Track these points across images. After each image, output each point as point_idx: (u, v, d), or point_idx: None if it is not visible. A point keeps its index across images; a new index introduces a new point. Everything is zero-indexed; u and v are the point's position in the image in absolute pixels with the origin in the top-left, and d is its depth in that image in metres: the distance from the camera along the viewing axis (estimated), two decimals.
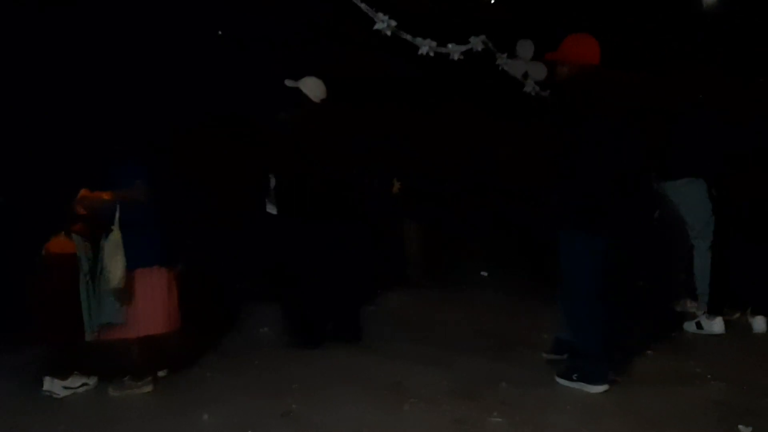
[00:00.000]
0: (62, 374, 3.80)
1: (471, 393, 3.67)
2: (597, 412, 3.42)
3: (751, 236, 4.67)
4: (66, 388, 3.79)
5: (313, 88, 4.65)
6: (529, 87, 5.72)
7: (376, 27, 3.61)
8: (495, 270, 6.72)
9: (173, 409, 3.59)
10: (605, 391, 3.67)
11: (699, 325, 4.68)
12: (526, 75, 5.69)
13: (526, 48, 5.79)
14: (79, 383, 3.84)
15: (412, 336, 4.81)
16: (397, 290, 5.88)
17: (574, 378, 3.71)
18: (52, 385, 3.77)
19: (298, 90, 4.63)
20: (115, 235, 3.73)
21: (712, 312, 4.67)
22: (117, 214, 3.75)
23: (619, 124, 3.66)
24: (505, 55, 5.38)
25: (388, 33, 3.76)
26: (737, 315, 4.80)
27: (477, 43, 4.82)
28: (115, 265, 3.71)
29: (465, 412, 3.42)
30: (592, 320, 3.68)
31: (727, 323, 4.68)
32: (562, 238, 3.72)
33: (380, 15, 3.73)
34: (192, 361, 4.25)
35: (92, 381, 3.90)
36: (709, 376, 3.84)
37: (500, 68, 5.48)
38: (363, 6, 3.55)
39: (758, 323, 4.65)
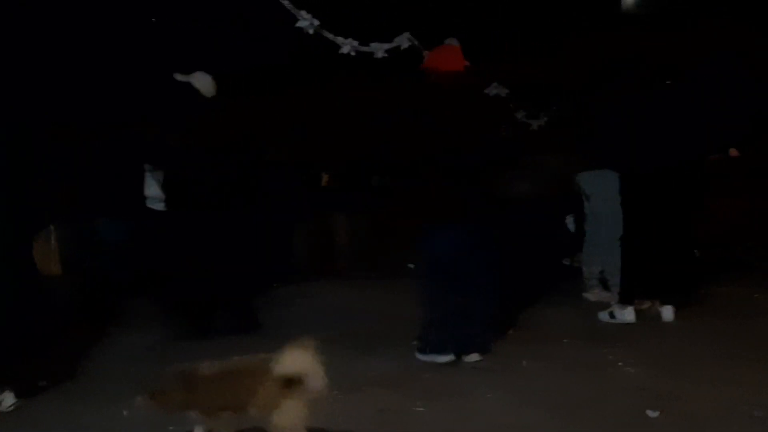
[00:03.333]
0: None
1: (395, 382, 3.74)
2: (515, 398, 3.53)
3: (661, 228, 4.86)
4: None
5: (204, 83, 4.65)
6: None
7: (298, 25, 3.66)
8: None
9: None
10: (523, 378, 3.81)
11: (612, 315, 4.90)
12: None
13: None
14: None
15: (337, 326, 4.85)
16: (324, 281, 5.92)
17: (427, 351, 4.02)
18: None
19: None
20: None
21: (624, 302, 4.89)
22: None
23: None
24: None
25: (311, 32, 3.82)
26: (648, 305, 5.00)
27: (403, 41, 4.94)
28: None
29: (390, 401, 3.48)
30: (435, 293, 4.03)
31: (638, 312, 4.90)
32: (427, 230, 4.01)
33: (303, 13, 3.78)
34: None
35: None
36: (620, 363, 4.00)
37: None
38: (286, 3, 3.59)
39: (666, 312, 4.89)
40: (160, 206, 4.76)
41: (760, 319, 4.79)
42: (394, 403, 3.47)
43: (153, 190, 4.81)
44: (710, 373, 3.75)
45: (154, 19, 6.28)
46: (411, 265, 6.90)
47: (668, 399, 3.41)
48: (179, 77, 4.64)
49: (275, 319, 5.08)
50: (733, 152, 5.25)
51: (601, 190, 5.25)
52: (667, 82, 4.95)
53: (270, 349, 2.78)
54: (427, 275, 4.09)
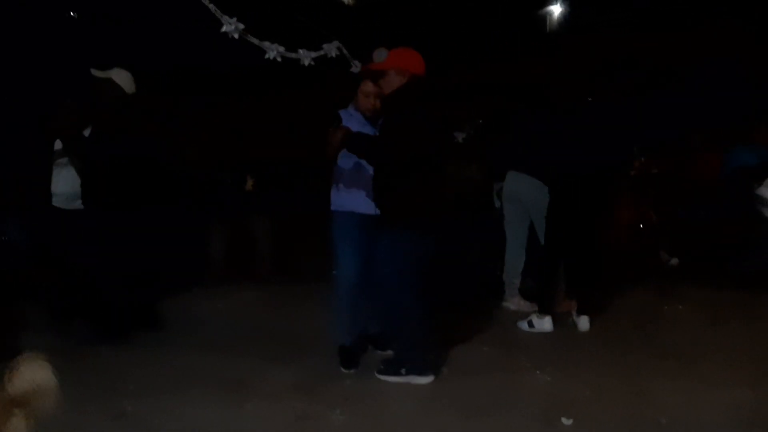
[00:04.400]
0: None
1: (314, 389, 3.74)
2: (433, 404, 3.59)
3: (580, 238, 5.02)
4: None
5: (125, 79, 4.58)
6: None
7: (223, 30, 3.63)
8: None
9: None
10: (441, 384, 3.85)
11: (531, 324, 5.01)
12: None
13: (381, 56, 6.00)
14: None
15: (257, 333, 4.82)
16: (245, 287, 5.87)
17: (403, 372, 3.86)
18: None
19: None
20: None
21: (542, 311, 5.02)
22: None
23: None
24: (359, 63, 5.54)
25: (236, 36, 3.80)
26: (566, 308, 5.13)
27: (331, 49, 4.96)
28: None
29: (308, 408, 3.47)
30: (415, 313, 3.87)
31: (555, 321, 5.04)
32: (385, 237, 3.87)
33: (226, 18, 3.75)
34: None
35: None
36: (537, 372, 4.09)
37: (355, 74, 5.66)
38: (211, 7, 3.56)
39: (583, 322, 5.03)
40: (70, 204, 4.61)
41: (668, 329, 4.98)
42: (312, 409, 3.47)
43: (62, 187, 4.65)
44: (621, 382, 3.87)
45: (73, 14, 6.13)
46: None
47: (581, 406, 3.50)
48: (97, 73, 4.54)
49: (191, 321, 5.02)
50: (647, 165, 5.45)
51: (519, 199, 5.38)
52: (590, 99, 5.12)
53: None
54: (397, 288, 3.85)
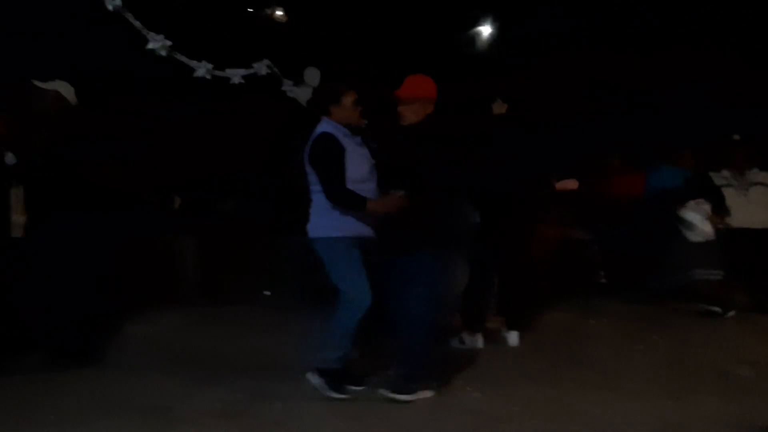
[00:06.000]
0: None
1: (243, 413, 3.67)
2: (363, 423, 3.57)
3: (508, 256, 5.11)
4: None
5: (69, 91, 4.50)
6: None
7: (149, 47, 3.57)
8: (277, 287, 6.76)
9: None
10: (371, 404, 3.83)
11: (461, 341, 5.06)
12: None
13: (313, 75, 6.03)
14: None
15: (181, 357, 4.71)
16: (170, 310, 5.74)
17: (414, 389, 3.88)
18: None
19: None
20: None
21: (473, 329, 5.07)
22: None
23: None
24: (291, 82, 5.55)
25: (163, 53, 3.74)
26: (496, 324, 5.20)
27: (261, 67, 4.94)
28: None
29: None
30: (431, 332, 3.98)
31: (486, 337, 5.10)
32: (404, 261, 3.88)
33: (153, 35, 3.70)
34: None
35: None
36: (468, 388, 4.12)
37: (286, 93, 5.67)
38: (137, 24, 3.50)
39: (512, 337, 5.12)
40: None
41: (593, 344, 5.11)
42: None
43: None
44: (545, 395, 3.95)
45: None
46: (267, 293, 6.85)
47: (510, 422, 3.55)
48: (41, 84, 4.42)
49: (113, 345, 4.87)
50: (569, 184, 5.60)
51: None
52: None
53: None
54: (421, 309, 3.90)
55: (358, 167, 3.92)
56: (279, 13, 7.46)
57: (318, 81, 5.96)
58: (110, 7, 3.44)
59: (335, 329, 3.95)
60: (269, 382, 4.15)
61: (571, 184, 5.75)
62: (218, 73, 4.25)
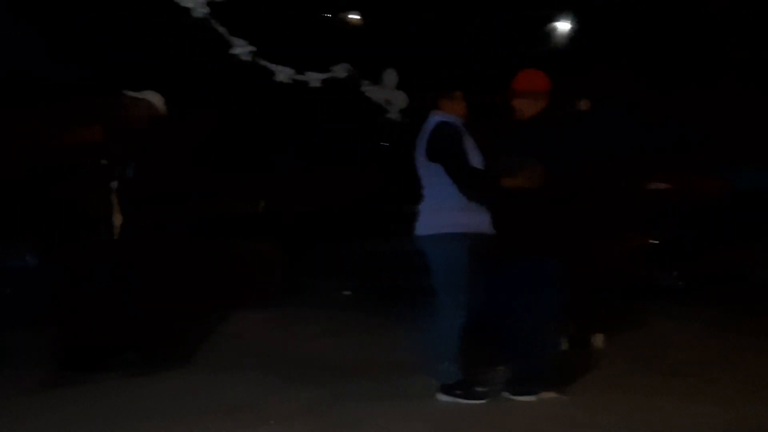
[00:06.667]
0: None
1: (327, 412, 3.69)
2: (446, 426, 3.50)
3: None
4: None
5: (158, 99, 4.62)
6: (393, 113, 5.98)
7: (232, 51, 3.66)
8: (358, 288, 6.81)
9: None
10: (453, 408, 3.77)
11: None
12: (389, 102, 5.97)
13: (390, 77, 6.07)
14: None
15: (265, 356, 4.80)
16: (253, 309, 5.86)
17: (536, 391, 3.84)
18: None
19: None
20: None
21: None
22: None
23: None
24: (368, 83, 5.60)
25: (247, 58, 3.83)
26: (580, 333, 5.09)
27: (340, 70, 5.01)
28: None
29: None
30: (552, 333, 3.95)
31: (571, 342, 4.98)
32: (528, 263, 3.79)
33: (237, 40, 3.79)
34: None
35: None
36: (555, 393, 3.94)
37: (364, 94, 5.72)
38: (221, 30, 3.60)
39: (597, 341, 4.98)
40: None
41: (676, 349, 4.95)
42: None
43: None
44: (631, 401, 3.81)
45: None
46: (347, 293, 6.93)
47: (592, 428, 3.44)
48: (131, 93, 4.58)
49: (200, 345, 5.02)
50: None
51: None
52: None
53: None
54: (544, 310, 3.82)
55: (474, 160, 3.86)
56: (355, 16, 7.54)
57: (396, 82, 6.00)
58: (197, 15, 3.56)
59: (446, 338, 3.85)
60: (352, 382, 4.19)
61: (658, 184, 5.57)
62: (298, 76, 4.32)
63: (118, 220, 4.49)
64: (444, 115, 3.91)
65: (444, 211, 3.80)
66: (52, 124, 4.97)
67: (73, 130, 4.63)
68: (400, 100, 5.97)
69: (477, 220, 3.82)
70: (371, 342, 5.13)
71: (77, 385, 4.23)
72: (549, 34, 8.17)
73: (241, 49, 3.74)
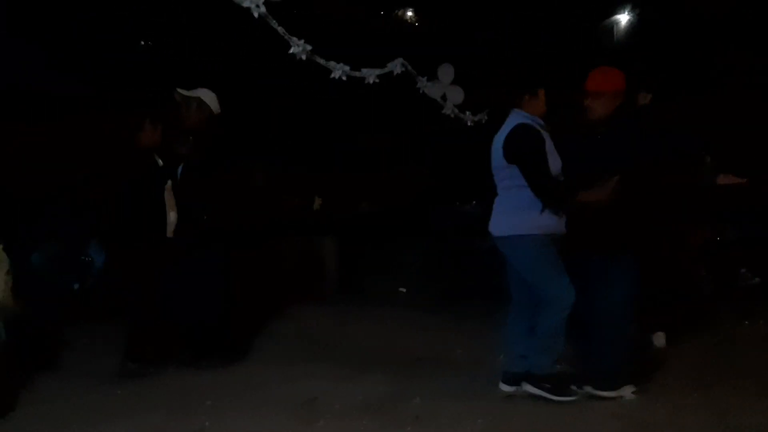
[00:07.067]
0: None
1: (384, 408, 3.72)
2: (505, 422, 3.51)
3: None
4: None
5: (211, 98, 4.67)
6: (448, 109, 5.95)
7: (291, 51, 3.71)
8: (413, 286, 6.82)
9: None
10: (510, 403, 3.78)
11: None
12: (444, 97, 5.94)
13: (446, 72, 6.03)
14: None
15: (325, 352, 4.87)
16: (312, 306, 5.92)
17: (616, 387, 3.79)
18: None
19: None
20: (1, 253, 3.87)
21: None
22: None
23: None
24: (425, 78, 5.58)
25: (303, 57, 3.86)
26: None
27: (395, 66, 5.01)
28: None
29: (379, 427, 3.45)
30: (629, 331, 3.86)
31: None
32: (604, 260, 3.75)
33: (295, 39, 3.82)
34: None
35: None
36: None
37: (420, 90, 5.71)
38: (280, 30, 3.64)
39: (659, 339, 4.86)
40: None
41: (745, 347, 4.79)
42: (382, 429, 3.44)
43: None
44: (696, 400, 3.75)
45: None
46: (403, 290, 6.95)
47: (655, 427, 3.41)
48: (184, 92, 4.65)
49: (262, 340, 5.10)
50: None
51: None
52: None
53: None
54: (623, 303, 3.77)
55: (555, 161, 3.80)
56: (409, 13, 7.55)
57: (452, 78, 5.97)
58: (256, 14, 3.62)
59: (543, 332, 3.78)
60: (409, 378, 4.20)
61: (733, 179, 5.39)
62: (354, 73, 4.33)
63: (172, 218, 4.57)
64: (524, 115, 3.85)
65: (521, 212, 3.78)
66: (118, 127, 5.08)
67: (137, 132, 4.72)
68: (455, 95, 5.94)
69: (553, 221, 3.77)
70: (428, 339, 5.14)
71: (143, 378, 4.37)
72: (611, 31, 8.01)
73: (299, 47, 3.80)
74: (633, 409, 3.67)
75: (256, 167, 6.32)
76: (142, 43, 6.62)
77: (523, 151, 3.76)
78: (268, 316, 5.69)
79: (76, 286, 5.64)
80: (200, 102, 4.62)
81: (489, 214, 3.97)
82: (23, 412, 3.84)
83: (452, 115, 5.85)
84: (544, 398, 3.76)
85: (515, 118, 3.86)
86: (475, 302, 5.91)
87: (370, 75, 4.45)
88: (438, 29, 7.29)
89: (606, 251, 3.74)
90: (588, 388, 3.83)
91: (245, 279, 4.98)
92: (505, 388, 3.90)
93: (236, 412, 3.68)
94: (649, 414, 3.58)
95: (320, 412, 3.64)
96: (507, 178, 3.82)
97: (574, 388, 3.82)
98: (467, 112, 5.94)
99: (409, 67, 5.18)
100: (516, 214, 3.80)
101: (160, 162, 4.71)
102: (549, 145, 3.80)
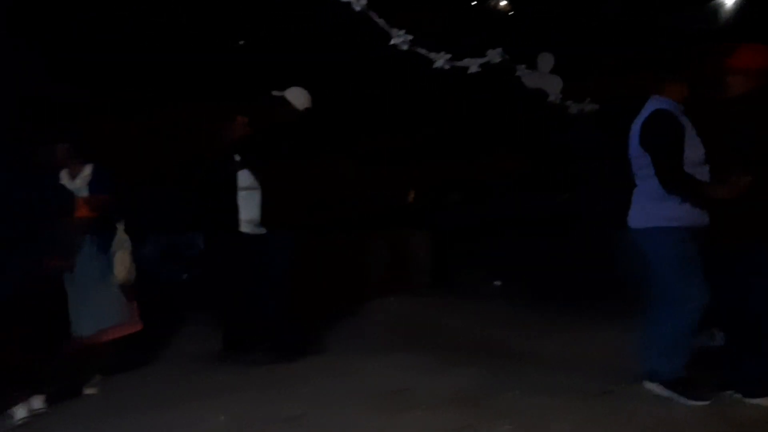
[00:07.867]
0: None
1: (476, 401, 3.69)
2: (598, 422, 3.41)
3: None
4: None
5: (298, 96, 4.74)
6: (553, 96, 5.83)
7: (392, 42, 3.72)
8: (508, 279, 6.74)
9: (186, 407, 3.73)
10: (604, 401, 3.66)
11: (712, 337, 4.58)
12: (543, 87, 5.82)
13: (546, 61, 5.91)
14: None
15: (418, 343, 4.88)
16: (406, 297, 5.95)
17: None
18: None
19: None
20: (122, 233, 4.14)
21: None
22: None
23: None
24: (523, 67, 5.48)
25: (405, 48, 3.88)
26: None
27: (494, 56, 4.95)
28: (121, 262, 4.00)
29: (472, 420, 3.42)
30: None
31: None
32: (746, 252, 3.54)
33: (395, 30, 3.84)
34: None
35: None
36: (730, 392, 3.67)
37: (519, 80, 5.62)
38: (380, 22, 3.66)
39: None
40: (254, 229, 4.84)
41: None
42: (477, 421, 3.41)
43: (249, 213, 4.87)
44: None
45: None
46: (497, 283, 6.87)
47: None
48: (275, 93, 4.75)
49: (352, 332, 5.19)
50: None
51: None
52: None
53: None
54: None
55: (696, 149, 3.60)
56: (503, 2, 7.41)
57: (551, 66, 5.84)
58: (357, 8, 3.66)
59: (671, 334, 3.61)
60: (500, 372, 4.15)
61: None
62: (456, 63, 4.32)
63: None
64: (663, 100, 3.66)
65: (659, 203, 3.60)
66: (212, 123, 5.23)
67: (227, 128, 4.86)
68: (554, 85, 5.81)
69: (693, 212, 3.58)
70: (524, 334, 5.07)
71: (239, 364, 4.53)
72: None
73: (400, 38, 3.81)
74: (749, 412, 3.46)
75: (346, 161, 6.38)
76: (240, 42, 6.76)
77: (657, 139, 3.58)
78: (361, 307, 5.77)
79: (184, 276, 5.89)
80: (283, 100, 4.72)
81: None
82: (132, 392, 4.11)
83: (557, 102, 5.74)
84: (674, 400, 3.57)
85: (654, 103, 3.67)
86: (571, 297, 5.79)
87: (473, 64, 4.42)
88: (535, 17, 7.11)
89: (757, 241, 3.48)
90: (735, 395, 3.59)
91: (339, 271, 5.04)
92: (648, 386, 3.70)
93: (329, 400, 3.74)
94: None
95: (409, 405, 3.63)
96: (645, 166, 3.63)
97: (708, 391, 3.59)
98: (569, 102, 5.81)
99: (507, 57, 5.11)
100: (652, 204, 3.63)
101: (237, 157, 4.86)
102: (690, 132, 3.60)
